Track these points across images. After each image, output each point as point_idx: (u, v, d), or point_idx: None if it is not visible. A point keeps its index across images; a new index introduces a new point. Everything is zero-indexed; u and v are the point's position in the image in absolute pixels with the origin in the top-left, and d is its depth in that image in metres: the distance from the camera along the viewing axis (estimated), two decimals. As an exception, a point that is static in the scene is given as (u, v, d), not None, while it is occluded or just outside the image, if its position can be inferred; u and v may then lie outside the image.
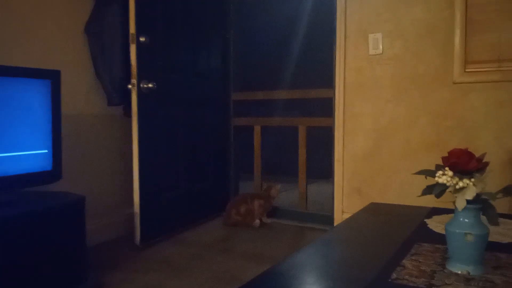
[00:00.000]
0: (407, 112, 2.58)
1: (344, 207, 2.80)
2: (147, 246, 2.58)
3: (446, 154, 1.08)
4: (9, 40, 2.27)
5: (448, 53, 2.44)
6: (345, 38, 2.73)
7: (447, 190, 1.06)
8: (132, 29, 2.47)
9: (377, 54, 2.64)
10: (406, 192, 2.56)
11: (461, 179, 1.02)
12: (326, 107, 2.95)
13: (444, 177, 1.04)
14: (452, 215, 1.10)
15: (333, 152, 2.82)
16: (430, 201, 1.51)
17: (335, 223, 2.81)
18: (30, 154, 2.03)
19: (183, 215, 2.98)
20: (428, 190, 1.08)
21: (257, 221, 3.06)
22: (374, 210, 1.88)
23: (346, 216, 2.68)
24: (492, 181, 1.08)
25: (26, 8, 2.35)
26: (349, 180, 2.78)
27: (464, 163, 1.03)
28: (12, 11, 2.29)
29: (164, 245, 2.65)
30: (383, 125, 2.65)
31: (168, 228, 2.82)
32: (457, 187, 1.02)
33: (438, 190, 1.05)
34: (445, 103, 2.47)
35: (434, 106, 2.50)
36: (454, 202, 1.05)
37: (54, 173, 2.13)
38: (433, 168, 1.10)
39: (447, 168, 1.05)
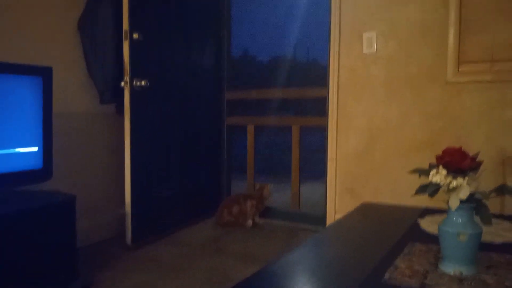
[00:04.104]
0: (400, 111, 2.58)
1: (336, 207, 2.79)
2: (138, 246, 2.56)
3: (438, 154, 1.07)
4: (0, 36, 2.24)
5: (441, 53, 2.44)
6: (339, 36, 2.72)
7: (441, 189, 1.05)
8: (125, 25, 2.45)
9: (371, 53, 2.63)
10: (399, 192, 2.55)
11: (454, 178, 1.02)
12: (320, 107, 2.94)
13: (438, 176, 1.03)
14: (444, 215, 1.10)
15: (326, 151, 2.81)
16: (422, 201, 1.50)
17: (328, 223, 2.80)
18: (20, 152, 2.00)
19: (175, 215, 2.96)
20: (421, 189, 1.07)
21: (250, 222, 3.05)
22: (367, 210, 1.88)
23: (339, 216, 2.68)
24: (484, 182, 1.07)
25: (18, 3, 2.31)
26: (341, 179, 2.77)
27: (457, 161, 1.03)
28: (3, 6, 2.25)
29: (155, 245, 2.63)
30: (376, 125, 2.65)
31: (159, 228, 2.80)
32: (451, 186, 1.02)
33: (432, 189, 1.04)
34: (437, 103, 2.47)
35: (426, 106, 2.50)
36: (447, 202, 1.05)
37: (44, 172, 2.10)
38: (424, 167, 1.10)
39: (440, 167, 1.04)
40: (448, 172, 1.03)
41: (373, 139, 2.66)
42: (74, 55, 2.64)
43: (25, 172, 2.02)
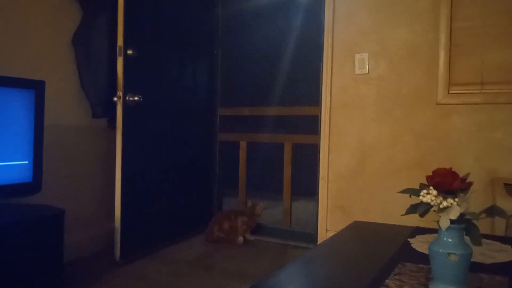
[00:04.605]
0: (391, 131, 2.61)
1: (328, 225, 2.79)
2: (127, 262, 2.53)
3: (428, 174, 1.08)
4: (-7, 49, 2.23)
5: (431, 74, 2.48)
6: (332, 57, 2.76)
7: (431, 209, 1.05)
8: (120, 41, 2.46)
9: (363, 74, 2.67)
10: (390, 210, 2.56)
11: (445, 198, 1.02)
12: (312, 125, 2.96)
13: (428, 196, 1.04)
14: (435, 234, 1.10)
15: (318, 169, 2.82)
16: (413, 220, 1.51)
17: (319, 241, 2.79)
18: (10, 165, 1.98)
19: (165, 231, 2.93)
20: (412, 209, 1.08)
21: (240, 238, 3.03)
22: (358, 229, 1.88)
23: (330, 234, 2.67)
24: (473, 202, 1.08)
25: (11, 17, 2.32)
26: (333, 198, 2.78)
27: (448, 182, 1.03)
28: (-2, 19, 2.26)
29: (144, 261, 2.60)
30: (367, 144, 2.67)
31: (149, 243, 2.77)
32: (441, 206, 1.02)
33: (422, 209, 1.04)
34: (428, 124, 2.50)
35: (417, 126, 2.53)
36: (438, 222, 1.05)
37: (34, 185, 2.08)
38: (415, 187, 1.10)
39: (431, 187, 1.05)
40: (438, 193, 1.04)
41: (365, 158, 2.68)
42: (68, 69, 2.64)
43: (14, 185, 2.00)
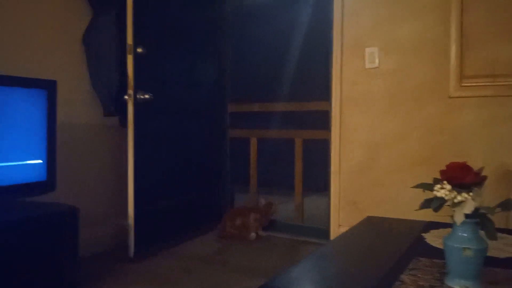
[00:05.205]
0: (402, 125, 2.59)
1: (340, 220, 2.78)
2: (140, 258, 2.55)
3: (440, 168, 1.08)
4: (5, 49, 2.26)
5: (442, 68, 2.46)
6: (342, 51, 2.74)
7: (445, 204, 1.05)
8: (129, 40, 2.48)
9: (373, 68, 2.65)
10: (402, 205, 2.55)
11: (459, 193, 1.02)
12: (322, 120, 2.95)
13: (443, 190, 1.03)
14: (449, 229, 1.10)
15: (329, 164, 2.81)
16: (426, 215, 1.50)
17: (331, 237, 2.79)
18: (25, 164, 2.01)
19: (177, 227, 2.95)
20: (426, 203, 1.08)
21: (253, 234, 3.04)
22: (371, 224, 1.87)
23: (342, 229, 2.67)
24: (486, 196, 1.08)
25: (22, 18, 2.34)
26: (345, 193, 2.77)
27: (461, 176, 1.03)
28: (7, 20, 2.28)
29: (157, 258, 2.62)
30: (378, 138, 2.66)
31: (162, 240, 2.79)
32: (456, 201, 1.02)
33: (437, 204, 1.04)
34: (439, 118, 2.48)
35: (428, 120, 2.51)
36: (452, 216, 1.05)
37: (48, 184, 2.11)
38: (427, 181, 1.10)
39: (445, 182, 1.04)
40: (452, 187, 1.03)
41: (376, 152, 2.66)
42: (79, 68, 2.66)
43: (29, 184, 2.02)
